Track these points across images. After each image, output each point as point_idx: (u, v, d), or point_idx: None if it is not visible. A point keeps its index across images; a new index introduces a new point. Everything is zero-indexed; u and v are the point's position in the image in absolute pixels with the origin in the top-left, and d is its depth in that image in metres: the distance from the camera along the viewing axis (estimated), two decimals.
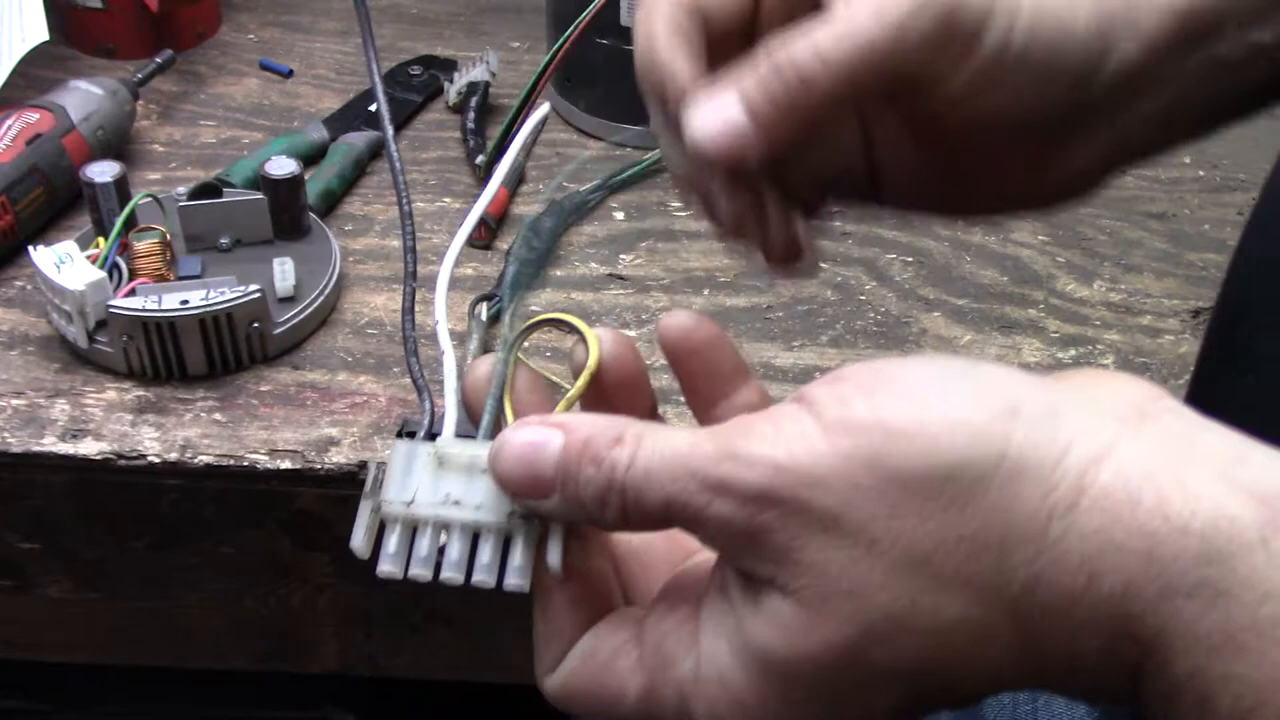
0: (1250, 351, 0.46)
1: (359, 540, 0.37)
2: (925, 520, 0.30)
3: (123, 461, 0.61)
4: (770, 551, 0.31)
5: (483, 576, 0.36)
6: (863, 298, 0.73)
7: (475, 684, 0.73)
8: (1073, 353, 0.70)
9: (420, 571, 0.36)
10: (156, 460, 0.61)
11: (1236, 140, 0.86)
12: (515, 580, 0.36)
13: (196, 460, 0.61)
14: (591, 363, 0.38)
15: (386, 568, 0.36)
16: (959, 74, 0.39)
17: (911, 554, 0.30)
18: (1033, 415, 0.30)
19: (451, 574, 0.36)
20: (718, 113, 0.37)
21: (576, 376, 0.38)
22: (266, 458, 0.61)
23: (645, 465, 0.32)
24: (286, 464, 0.61)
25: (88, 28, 0.88)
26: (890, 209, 0.45)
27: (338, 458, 0.61)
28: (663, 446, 0.33)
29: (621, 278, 0.73)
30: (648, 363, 0.67)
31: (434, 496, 0.36)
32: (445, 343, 0.41)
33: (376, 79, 0.45)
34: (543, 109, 0.50)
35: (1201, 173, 0.85)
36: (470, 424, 0.38)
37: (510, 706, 0.97)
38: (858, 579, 0.30)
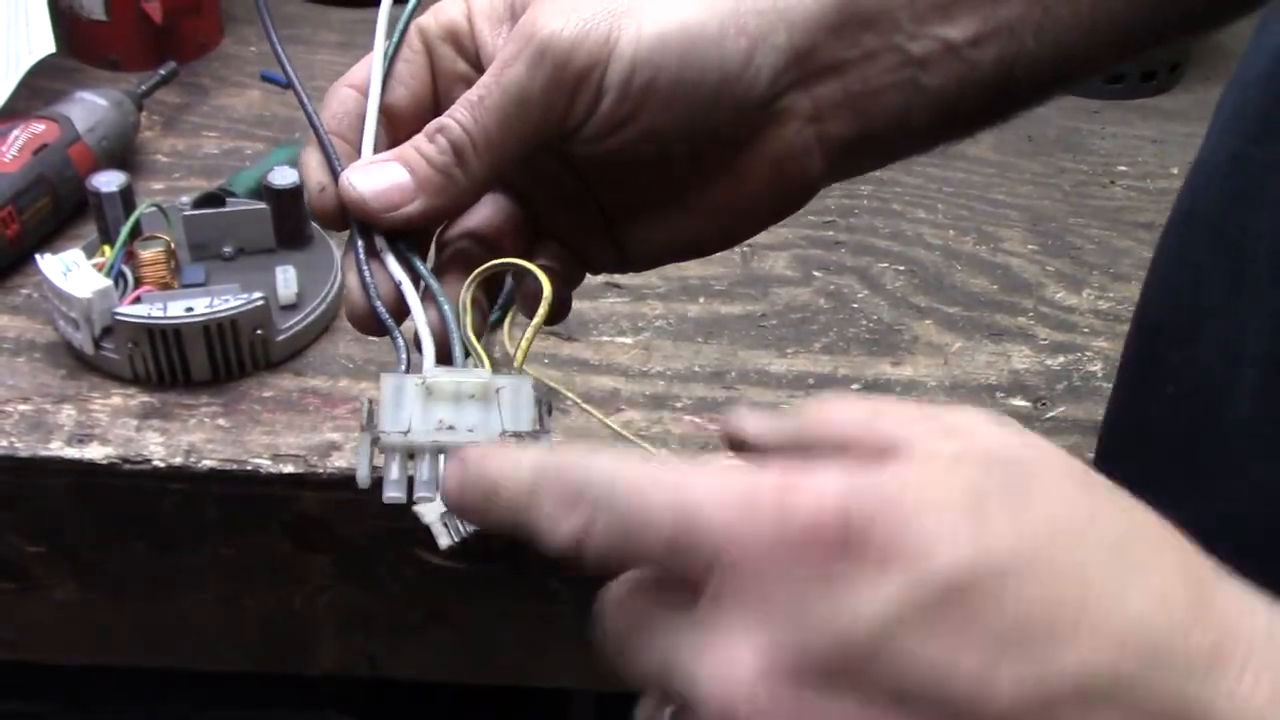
0: (1167, 362, 0.47)
1: (363, 471, 0.38)
2: None
3: (128, 465, 0.62)
4: None
5: None
6: (855, 305, 0.74)
7: (475, 685, 0.74)
8: (1061, 359, 0.71)
9: (424, 494, 0.37)
10: (161, 464, 0.62)
11: None
12: None
13: (200, 464, 0.62)
14: (547, 293, 0.40)
15: (392, 494, 0.38)
16: (598, 113, 0.40)
17: None
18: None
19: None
20: (382, 173, 0.41)
21: (532, 310, 0.40)
22: (269, 462, 0.62)
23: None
24: (289, 468, 0.62)
25: (92, 40, 0.89)
26: (645, 259, 0.47)
27: (339, 462, 0.62)
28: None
29: (618, 286, 0.74)
30: (645, 369, 0.68)
31: (427, 424, 0.38)
32: (399, 274, 0.41)
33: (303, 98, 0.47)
34: None
35: None
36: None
37: (510, 707, 0.98)
38: None
